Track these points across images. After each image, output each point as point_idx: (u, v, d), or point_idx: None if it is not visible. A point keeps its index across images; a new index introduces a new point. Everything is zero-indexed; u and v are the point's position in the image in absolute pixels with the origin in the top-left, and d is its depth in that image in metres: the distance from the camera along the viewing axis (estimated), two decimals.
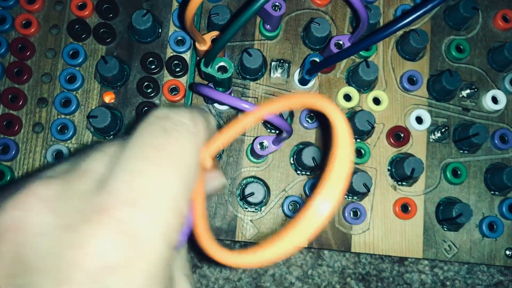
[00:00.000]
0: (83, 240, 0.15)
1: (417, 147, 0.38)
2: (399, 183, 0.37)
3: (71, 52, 0.37)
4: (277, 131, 0.36)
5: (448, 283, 0.39)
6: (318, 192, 0.12)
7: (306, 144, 0.36)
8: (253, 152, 0.35)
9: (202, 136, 0.18)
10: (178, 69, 0.37)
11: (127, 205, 0.15)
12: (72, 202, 0.16)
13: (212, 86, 0.33)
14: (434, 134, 0.38)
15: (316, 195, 0.12)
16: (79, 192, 0.16)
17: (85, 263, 0.15)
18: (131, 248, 0.15)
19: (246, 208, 0.36)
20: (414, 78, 0.38)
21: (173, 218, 0.16)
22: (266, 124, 0.37)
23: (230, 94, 0.36)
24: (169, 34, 0.38)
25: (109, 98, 0.37)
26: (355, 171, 0.35)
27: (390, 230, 0.36)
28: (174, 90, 0.37)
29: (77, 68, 0.37)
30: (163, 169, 0.16)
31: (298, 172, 0.36)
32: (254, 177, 0.36)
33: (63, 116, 0.37)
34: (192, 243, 0.19)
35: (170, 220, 0.16)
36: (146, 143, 0.17)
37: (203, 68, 0.29)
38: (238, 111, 0.37)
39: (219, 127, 0.37)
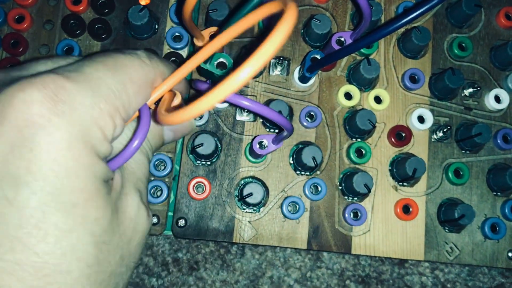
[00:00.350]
0: (6, 98, 0.16)
1: (418, 147, 0.37)
2: (400, 183, 0.36)
3: (65, 48, 0.36)
4: (277, 130, 0.36)
5: (449, 285, 0.38)
6: (246, 60, 0.15)
7: (306, 144, 0.35)
8: (251, 152, 0.34)
9: (152, 68, 0.20)
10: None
11: (67, 79, 0.17)
12: (3, 81, 0.17)
13: (210, 83, 0.32)
14: (436, 134, 0.37)
15: (243, 63, 0.15)
16: (14, 76, 0.18)
17: (9, 116, 0.16)
18: (55, 107, 0.16)
19: (244, 209, 0.35)
20: (416, 77, 0.37)
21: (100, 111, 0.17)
22: (266, 122, 0.36)
23: None
24: (166, 30, 0.37)
25: None
26: (356, 171, 0.34)
27: (391, 231, 0.36)
28: None
29: None
30: (108, 69, 0.18)
31: (298, 172, 0.36)
32: (253, 177, 0.35)
33: None
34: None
35: (101, 105, 0.17)
36: (100, 54, 0.19)
37: (201, 64, 0.29)
38: (237, 108, 0.36)
39: (218, 126, 0.36)
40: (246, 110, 0.36)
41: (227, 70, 0.31)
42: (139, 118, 0.21)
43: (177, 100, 0.22)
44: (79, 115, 0.16)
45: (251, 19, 0.20)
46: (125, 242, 0.19)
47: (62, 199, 0.16)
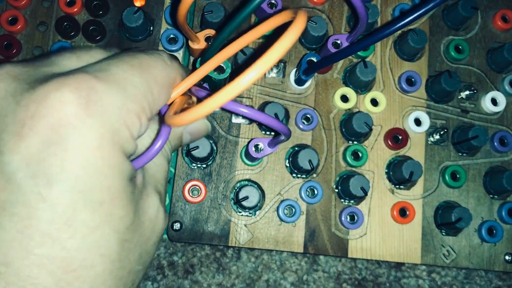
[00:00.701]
0: (43, 97, 0.16)
1: (415, 149, 0.37)
2: (397, 186, 0.36)
3: (59, 50, 0.36)
4: (273, 133, 0.35)
5: None
6: (252, 64, 0.15)
7: (302, 147, 0.35)
8: (247, 155, 0.34)
9: (173, 69, 0.21)
10: None
11: (98, 79, 0.17)
12: (35, 76, 0.18)
13: (207, 86, 0.32)
14: (433, 137, 0.37)
15: (249, 67, 0.16)
16: (44, 71, 0.18)
17: (46, 114, 0.16)
18: (88, 108, 0.16)
19: (240, 212, 0.35)
20: (413, 79, 0.37)
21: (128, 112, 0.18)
22: (262, 126, 0.36)
23: None
24: (161, 32, 0.37)
25: None
26: (352, 174, 0.34)
27: (388, 235, 0.35)
28: None
29: None
30: (135, 71, 0.19)
31: (294, 175, 0.35)
32: (249, 180, 0.35)
33: None
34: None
35: (129, 105, 0.18)
36: (125, 54, 0.19)
37: (199, 66, 0.28)
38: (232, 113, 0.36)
39: (213, 128, 0.35)
40: None
41: (225, 75, 0.31)
42: (160, 118, 0.22)
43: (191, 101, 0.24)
44: (109, 116, 0.17)
45: (267, 26, 0.21)
46: (144, 241, 0.20)
47: (91, 197, 0.17)
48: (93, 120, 0.17)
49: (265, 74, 0.36)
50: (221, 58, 0.24)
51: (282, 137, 0.29)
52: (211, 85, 0.32)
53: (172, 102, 0.22)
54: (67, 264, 0.16)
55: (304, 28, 0.16)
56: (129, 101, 0.18)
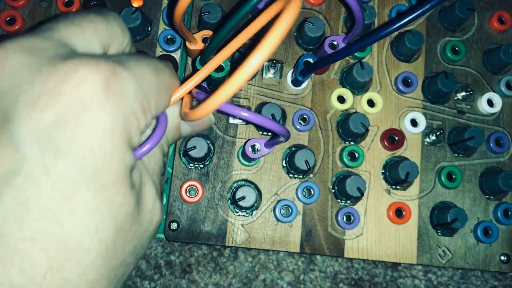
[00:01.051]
0: (64, 74, 0.16)
1: (411, 150, 0.37)
2: (393, 187, 0.36)
3: None
4: (270, 134, 0.36)
5: None
6: (253, 51, 0.16)
7: (299, 147, 0.35)
8: (244, 155, 0.34)
9: (176, 77, 0.22)
10: None
11: (119, 67, 0.17)
12: (52, 51, 0.17)
13: (205, 85, 0.32)
14: (429, 137, 0.37)
15: (251, 53, 0.16)
16: (61, 46, 0.18)
17: (64, 90, 0.16)
18: (106, 92, 0.17)
19: (237, 212, 0.35)
20: (409, 80, 0.37)
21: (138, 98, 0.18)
22: (260, 127, 0.36)
23: None
24: (159, 33, 0.37)
25: None
26: (349, 175, 0.34)
27: (384, 235, 0.36)
28: None
29: None
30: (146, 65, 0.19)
31: (291, 175, 0.36)
32: (245, 180, 0.35)
33: None
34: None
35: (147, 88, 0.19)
36: (140, 54, 0.21)
37: (198, 66, 0.28)
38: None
39: (210, 129, 0.36)
40: None
41: (224, 73, 0.31)
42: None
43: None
44: (125, 104, 0.17)
45: (262, 20, 0.21)
46: (141, 233, 0.19)
47: (94, 179, 0.17)
48: (109, 104, 0.17)
49: (262, 75, 0.37)
50: (220, 58, 0.24)
51: (281, 139, 0.29)
52: (211, 83, 0.32)
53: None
54: (62, 242, 0.16)
55: (300, 5, 0.17)
56: (142, 95, 0.18)
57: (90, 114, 0.16)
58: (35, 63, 0.17)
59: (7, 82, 0.17)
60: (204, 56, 0.28)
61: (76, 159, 0.16)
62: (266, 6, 0.34)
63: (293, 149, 0.35)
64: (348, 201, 0.36)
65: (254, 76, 0.37)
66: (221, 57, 0.24)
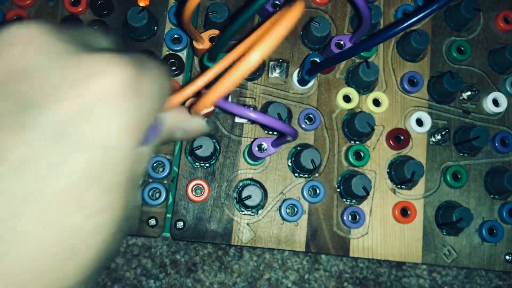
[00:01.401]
0: (93, 68, 0.16)
1: (417, 149, 0.37)
2: (399, 186, 0.36)
3: None
4: (277, 133, 0.36)
5: (446, 287, 0.38)
6: (255, 46, 0.16)
7: (305, 146, 0.35)
8: (250, 154, 0.34)
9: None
10: (174, 68, 0.36)
11: (143, 69, 0.17)
12: (82, 42, 0.18)
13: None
14: (435, 137, 0.37)
15: (253, 48, 0.16)
16: (87, 41, 0.19)
17: (91, 84, 0.16)
18: (128, 92, 0.17)
19: (242, 211, 0.35)
20: (415, 80, 0.37)
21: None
22: (266, 126, 0.36)
23: (228, 95, 0.35)
24: (165, 32, 0.37)
25: None
26: (354, 174, 0.35)
27: (389, 234, 0.36)
28: None
29: None
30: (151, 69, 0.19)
31: (296, 174, 0.36)
32: (251, 179, 0.35)
33: None
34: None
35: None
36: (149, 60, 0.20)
37: (206, 63, 0.29)
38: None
39: (216, 128, 0.36)
40: None
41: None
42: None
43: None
44: (143, 105, 0.17)
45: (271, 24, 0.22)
46: (120, 235, 0.19)
47: (100, 178, 0.16)
48: (131, 103, 0.17)
49: (268, 74, 0.37)
50: (226, 62, 0.24)
51: (289, 138, 0.29)
52: (214, 81, 0.32)
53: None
54: (63, 236, 0.16)
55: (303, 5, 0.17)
56: (157, 98, 0.18)
57: (108, 111, 0.16)
58: (63, 50, 0.17)
59: (32, 64, 0.16)
60: (213, 52, 0.28)
61: (95, 153, 0.16)
62: (274, 6, 0.35)
63: (298, 148, 0.35)
64: (354, 201, 0.36)
65: (260, 75, 0.37)
66: (227, 62, 0.24)
